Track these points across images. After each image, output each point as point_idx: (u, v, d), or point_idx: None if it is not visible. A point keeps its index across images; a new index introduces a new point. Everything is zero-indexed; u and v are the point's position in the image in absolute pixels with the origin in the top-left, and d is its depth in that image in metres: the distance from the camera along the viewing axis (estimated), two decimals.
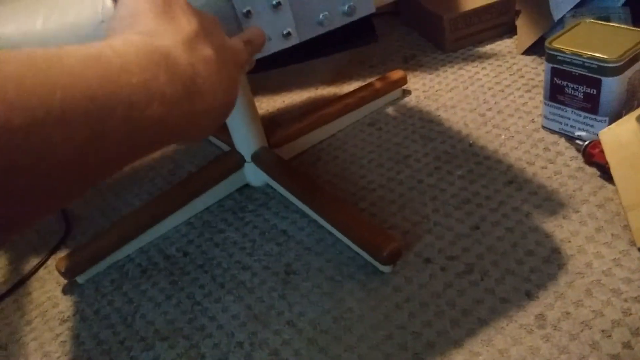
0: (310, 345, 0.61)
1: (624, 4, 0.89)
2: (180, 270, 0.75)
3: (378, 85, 0.96)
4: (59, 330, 0.71)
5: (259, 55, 0.51)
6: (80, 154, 0.22)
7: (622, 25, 0.75)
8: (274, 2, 0.49)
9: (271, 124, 1.00)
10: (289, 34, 0.51)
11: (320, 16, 0.51)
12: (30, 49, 0.22)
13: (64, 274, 0.75)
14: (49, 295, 0.76)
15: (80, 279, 0.77)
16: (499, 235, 0.68)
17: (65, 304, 0.74)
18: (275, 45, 0.51)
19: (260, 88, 1.14)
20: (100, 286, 0.76)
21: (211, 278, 0.73)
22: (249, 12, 0.48)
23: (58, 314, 0.73)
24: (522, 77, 0.96)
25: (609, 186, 0.71)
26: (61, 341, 0.69)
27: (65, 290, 0.77)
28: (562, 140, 0.80)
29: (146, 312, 0.70)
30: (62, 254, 0.83)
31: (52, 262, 0.82)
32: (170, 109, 0.26)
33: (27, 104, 0.20)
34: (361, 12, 0.54)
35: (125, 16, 0.31)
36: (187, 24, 0.31)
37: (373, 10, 0.55)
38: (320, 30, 0.53)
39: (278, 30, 0.50)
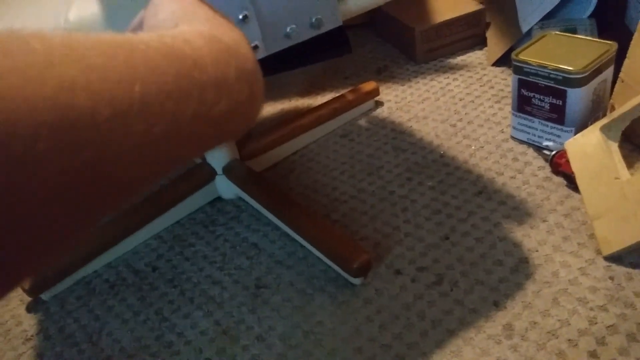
0: None
1: (590, 16, 0.91)
2: (149, 285, 0.74)
3: (351, 96, 0.96)
4: (23, 349, 0.69)
5: None
6: (155, 150, 0.21)
7: (587, 37, 0.77)
8: (241, 16, 0.49)
9: (243, 136, 1.00)
10: (256, 46, 0.51)
11: (288, 29, 0.52)
12: (99, 33, 0.20)
13: (28, 292, 0.73)
14: (13, 313, 0.74)
15: (45, 296, 0.75)
16: (468, 245, 0.68)
17: (29, 322, 0.72)
18: None
19: None
20: (65, 303, 0.74)
21: (180, 293, 0.71)
22: None
23: (21, 332, 0.71)
24: (492, 87, 0.98)
25: (576, 195, 0.72)
26: None
27: (30, 308, 0.74)
28: (531, 150, 0.81)
29: (112, 329, 0.69)
30: None
31: None
32: (235, 108, 0.25)
33: (112, 95, 0.19)
34: (328, 25, 0.55)
35: (170, 10, 0.29)
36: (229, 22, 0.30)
37: (340, 23, 0.55)
38: (288, 43, 0.53)
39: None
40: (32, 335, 0.70)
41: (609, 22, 0.92)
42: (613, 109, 0.80)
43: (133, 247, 0.81)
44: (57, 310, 0.73)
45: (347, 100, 0.96)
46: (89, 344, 0.67)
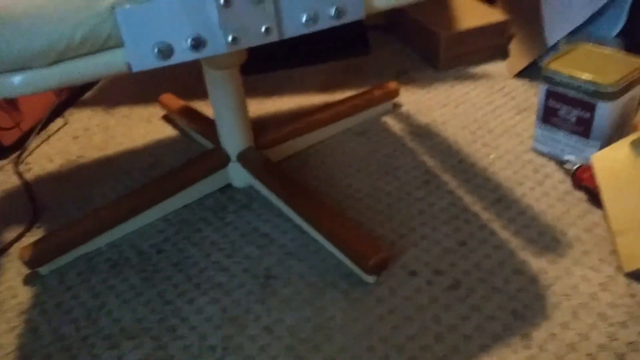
0: (287, 353, 0.58)
1: (618, 35, 0.90)
2: (153, 267, 0.71)
3: (370, 95, 0.94)
4: (16, 322, 0.66)
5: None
6: None
7: (619, 53, 0.76)
8: None
9: (259, 126, 0.98)
10: (268, 30, 0.49)
11: (306, 15, 0.49)
12: None
13: (27, 263, 0.71)
14: (8, 285, 0.72)
15: (43, 270, 0.72)
16: (486, 252, 0.67)
17: (25, 295, 0.70)
18: (253, 40, 0.49)
19: (251, 91, 1.12)
20: (65, 278, 0.71)
21: (186, 277, 0.69)
22: (227, 1, 0.46)
23: (16, 305, 0.68)
24: (513, 99, 0.97)
25: (596, 211, 0.70)
26: (17, 334, 0.65)
27: (27, 281, 0.72)
28: (551, 163, 0.80)
29: (113, 308, 0.66)
30: (26, 242, 0.78)
31: (14, 250, 0.77)
32: None
33: None
34: (350, 17, 0.52)
35: None
36: None
37: (363, 15, 0.53)
38: (304, 31, 0.50)
39: (258, 25, 0.48)
40: (27, 309, 0.68)
41: (636, 43, 0.91)
42: (637, 128, 0.79)
43: (138, 227, 0.78)
44: (55, 285, 0.71)
45: (366, 99, 0.94)
46: (88, 321, 0.65)
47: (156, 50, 0.46)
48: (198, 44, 0.47)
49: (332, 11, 0.50)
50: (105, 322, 0.64)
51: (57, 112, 1.12)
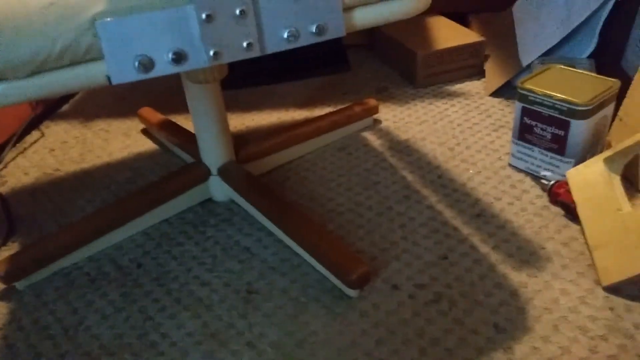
0: None
1: (589, 56, 0.94)
2: (132, 282, 0.70)
3: (351, 111, 0.96)
4: None
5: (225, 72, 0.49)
6: None
7: (591, 73, 0.79)
8: (238, 10, 0.48)
9: (239, 140, 0.98)
10: (250, 45, 0.49)
11: (287, 32, 0.50)
12: None
13: (3, 278, 0.69)
14: None
15: (19, 285, 0.70)
16: (467, 266, 0.68)
17: (0, 311, 0.68)
18: (234, 55, 0.49)
19: (230, 105, 1.12)
20: (41, 294, 0.69)
21: (166, 292, 0.68)
22: (209, 16, 0.47)
23: None
24: (490, 116, 0.99)
25: (573, 225, 0.72)
26: None
27: (2, 296, 0.70)
28: (528, 179, 0.82)
29: (92, 324, 0.65)
30: (1, 256, 0.76)
31: None
32: None
33: None
34: (331, 34, 0.53)
35: None
36: None
37: (343, 33, 0.53)
38: (285, 46, 0.51)
39: (239, 40, 0.49)
40: (3, 325, 0.66)
41: (606, 64, 0.95)
42: (610, 146, 0.82)
43: (117, 241, 0.77)
44: (32, 300, 0.69)
45: (347, 114, 0.95)
46: (66, 337, 0.63)
47: (137, 63, 0.46)
48: (179, 57, 0.47)
49: (314, 28, 0.51)
50: (84, 339, 0.63)
51: (33, 124, 1.10)
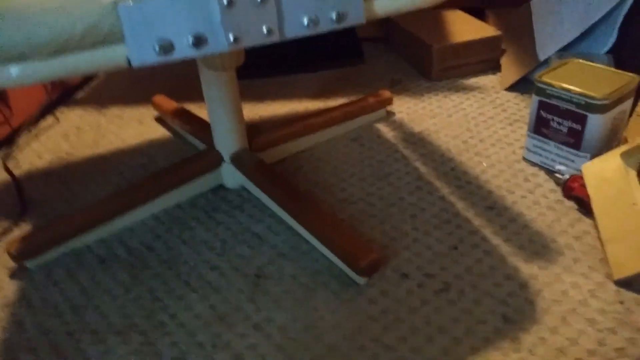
0: (277, 351, 0.57)
1: (608, 52, 0.92)
2: (142, 264, 0.71)
3: (365, 102, 0.95)
4: (0, 315, 0.65)
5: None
6: None
7: (610, 68, 0.77)
8: None
9: (252, 129, 0.98)
10: (270, 30, 0.49)
11: (307, 18, 0.50)
12: None
13: (15, 257, 0.70)
14: None
15: (30, 264, 0.71)
16: (477, 257, 0.67)
17: (10, 289, 0.68)
18: (254, 40, 0.49)
19: (244, 95, 1.12)
20: (52, 273, 0.70)
21: (176, 275, 0.68)
22: (230, 1, 0.47)
23: (2, 298, 0.67)
24: (505, 110, 0.98)
25: (586, 220, 0.71)
26: (2, 327, 0.63)
27: (13, 275, 0.71)
28: (542, 173, 0.81)
29: (100, 304, 0.65)
30: (13, 236, 0.77)
31: (1, 244, 0.76)
32: None
33: None
34: (351, 21, 0.52)
35: None
36: None
37: (363, 20, 0.53)
38: (305, 33, 0.51)
39: (259, 25, 0.48)
40: (12, 302, 0.66)
41: (625, 60, 0.93)
42: (626, 142, 0.80)
43: (129, 224, 0.78)
44: (42, 279, 0.69)
45: (361, 105, 0.95)
46: (74, 316, 0.64)
47: (157, 46, 0.47)
48: (199, 41, 0.48)
49: (334, 15, 0.51)
50: (92, 318, 0.63)
51: (48, 110, 1.11)
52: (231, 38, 0.48)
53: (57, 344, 0.60)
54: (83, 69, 0.48)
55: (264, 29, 0.49)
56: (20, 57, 0.45)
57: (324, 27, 0.51)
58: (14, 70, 0.44)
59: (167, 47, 0.47)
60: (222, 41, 0.48)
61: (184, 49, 0.47)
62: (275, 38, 0.50)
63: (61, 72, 0.47)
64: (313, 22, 0.50)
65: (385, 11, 0.55)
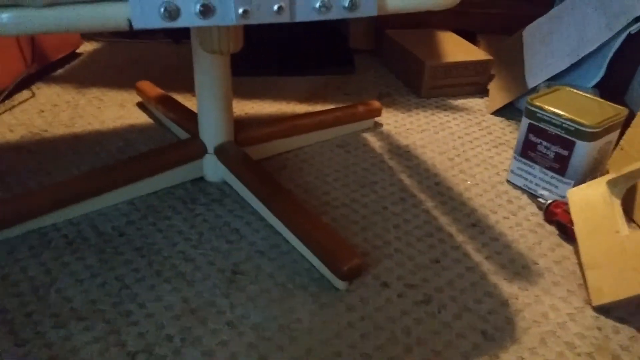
0: (250, 350, 0.55)
1: (594, 86, 0.94)
2: (113, 249, 0.67)
3: (355, 109, 0.94)
4: None
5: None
6: None
7: (599, 99, 0.79)
8: None
9: (238, 123, 0.96)
10: (280, 9, 0.48)
11: (319, 2, 0.49)
12: None
13: None
14: None
15: None
16: (459, 272, 0.66)
17: None
18: (263, 17, 0.48)
19: (232, 91, 1.10)
20: (15, 250, 0.66)
21: (147, 263, 0.65)
22: None
23: None
24: (490, 133, 0.99)
25: (567, 245, 0.72)
26: None
27: None
28: (525, 197, 0.81)
29: (64, 287, 0.61)
30: None
31: None
32: None
33: None
34: (363, 11, 0.51)
35: None
36: None
37: (375, 12, 0.52)
38: (315, 17, 0.50)
39: (271, 2, 0.47)
40: None
41: (609, 96, 0.95)
42: (608, 172, 0.82)
43: (101, 208, 0.74)
44: (4, 256, 0.65)
45: (351, 112, 0.94)
46: (35, 297, 0.60)
47: (162, 9, 0.44)
48: (207, 10, 0.46)
49: (346, 2, 0.50)
50: (54, 300, 0.60)
51: (24, 83, 1.07)
52: (240, 11, 0.46)
53: (13, 324, 0.56)
54: (80, 26, 0.45)
55: (275, 7, 0.47)
56: (12, 3, 0.42)
57: (336, 14, 0.50)
58: (4, 16, 0.41)
59: (173, 12, 0.45)
60: (230, 13, 0.46)
61: (190, 17, 0.45)
62: (285, 18, 0.49)
63: (55, 25, 0.44)
64: (325, 7, 0.49)
65: (396, 6, 0.54)
